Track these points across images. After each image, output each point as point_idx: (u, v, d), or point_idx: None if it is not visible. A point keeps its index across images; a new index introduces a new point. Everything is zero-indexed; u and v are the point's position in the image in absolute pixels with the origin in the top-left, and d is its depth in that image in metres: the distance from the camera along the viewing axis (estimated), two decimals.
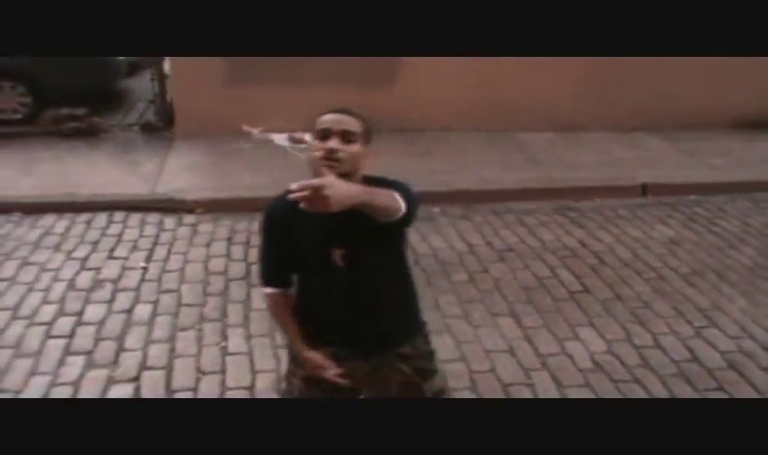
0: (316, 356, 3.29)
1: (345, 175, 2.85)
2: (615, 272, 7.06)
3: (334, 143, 2.95)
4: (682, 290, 6.74)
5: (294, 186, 2.48)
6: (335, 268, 3.14)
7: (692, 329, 6.09)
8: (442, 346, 5.64)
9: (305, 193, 2.46)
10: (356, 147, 3.00)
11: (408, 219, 2.97)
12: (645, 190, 9.28)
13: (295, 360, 3.48)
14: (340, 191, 2.52)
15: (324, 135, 2.99)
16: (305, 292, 3.36)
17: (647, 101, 11.27)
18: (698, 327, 6.12)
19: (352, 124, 3.02)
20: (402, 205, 2.89)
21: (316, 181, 2.48)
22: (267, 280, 3.38)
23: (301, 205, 2.50)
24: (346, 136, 2.98)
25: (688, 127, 11.30)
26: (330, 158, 2.92)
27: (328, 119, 3.02)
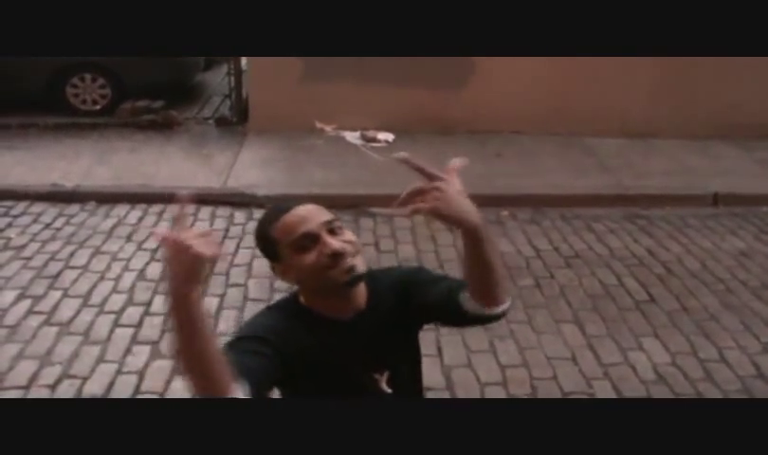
0: None
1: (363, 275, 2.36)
2: (683, 283, 6.97)
3: (334, 242, 2.28)
4: (750, 304, 6.63)
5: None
6: (370, 391, 2.46)
7: (759, 344, 5.98)
8: (504, 351, 5.69)
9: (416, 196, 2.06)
10: (349, 233, 2.37)
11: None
12: (716, 199, 9.12)
13: None
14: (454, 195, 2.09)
15: (308, 242, 2.29)
16: None
17: (721, 110, 11.07)
18: (765, 342, 6.01)
19: (324, 213, 2.35)
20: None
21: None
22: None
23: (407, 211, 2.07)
24: (332, 228, 2.32)
25: (762, 137, 11.05)
26: (342, 259, 2.28)
27: (298, 221, 2.31)
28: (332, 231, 2.30)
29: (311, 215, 2.31)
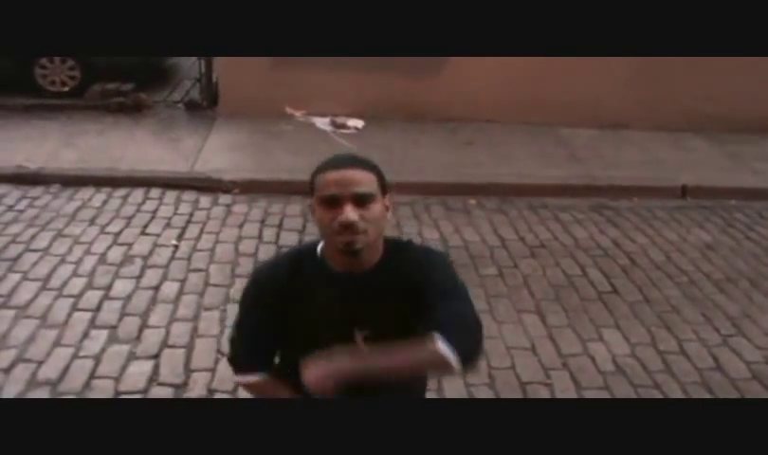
0: None
1: (366, 247, 2.44)
2: (646, 274, 6.98)
3: (350, 213, 2.34)
4: (712, 296, 6.64)
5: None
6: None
7: (719, 337, 6.00)
8: None
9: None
10: (376, 209, 2.41)
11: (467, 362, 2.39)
12: (684, 192, 9.14)
13: None
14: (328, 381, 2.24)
15: (331, 201, 2.38)
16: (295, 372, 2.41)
17: (693, 102, 11.09)
18: (725, 335, 6.03)
19: (364, 182, 2.40)
20: (450, 358, 2.30)
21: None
22: (249, 362, 2.70)
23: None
24: (361, 200, 2.38)
25: (735, 130, 11.10)
26: (349, 230, 2.36)
27: (333, 181, 2.39)
28: (359, 202, 2.37)
29: (347, 181, 2.37)
